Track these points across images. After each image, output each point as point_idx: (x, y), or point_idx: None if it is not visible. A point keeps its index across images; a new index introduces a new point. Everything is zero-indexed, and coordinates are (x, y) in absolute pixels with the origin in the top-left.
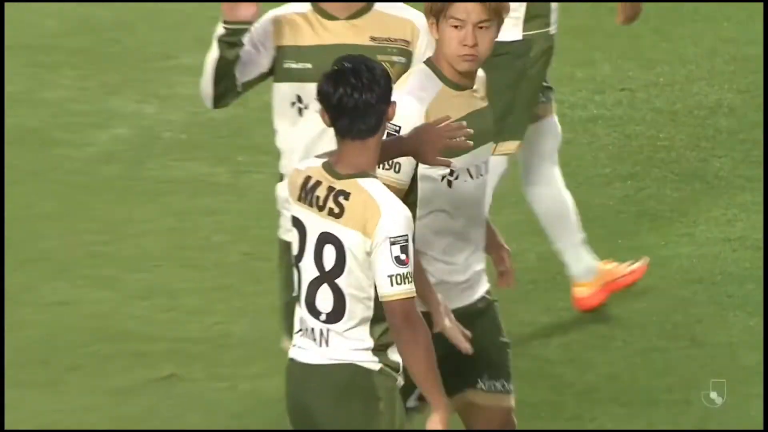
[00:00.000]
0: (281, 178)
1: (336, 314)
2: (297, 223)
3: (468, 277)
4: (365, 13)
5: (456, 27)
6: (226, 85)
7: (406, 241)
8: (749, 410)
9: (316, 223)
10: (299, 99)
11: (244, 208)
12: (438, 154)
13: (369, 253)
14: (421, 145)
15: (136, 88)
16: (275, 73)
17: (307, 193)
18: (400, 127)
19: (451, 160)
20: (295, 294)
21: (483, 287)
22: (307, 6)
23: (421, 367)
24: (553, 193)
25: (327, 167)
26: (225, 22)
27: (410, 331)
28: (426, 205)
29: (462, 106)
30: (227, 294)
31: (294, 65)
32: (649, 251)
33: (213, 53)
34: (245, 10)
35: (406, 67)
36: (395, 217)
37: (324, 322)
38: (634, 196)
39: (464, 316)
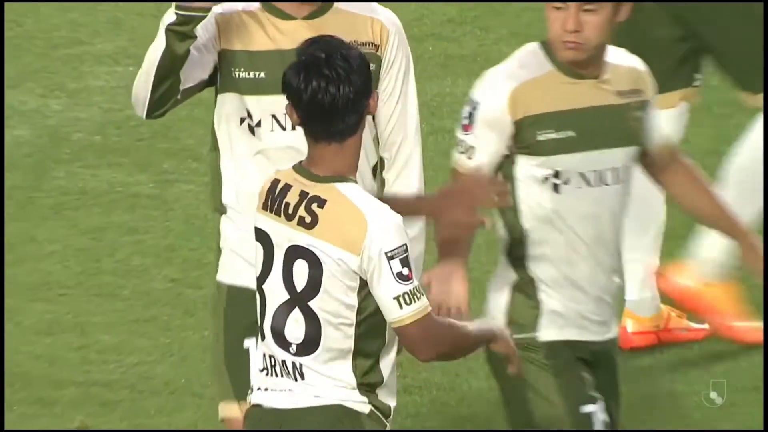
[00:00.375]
0: (223, 210)
1: (309, 344)
2: (261, 236)
3: (599, 309)
4: (326, 12)
5: (558, 8)
6: (167, 89)
7: (405, 251)
8: None
9: (285, 235)
10: (249, 115)
11: (171, 225)
12: (468, 213)
13: (356, 272)
14: (445, 209)
15: (40, 80)
16: (220, 81)
17: (274, 199)
18: (478, 103)
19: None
20: (259, 325)
21: (614, 327)
22: (257, 3)
23: (470, 352)
24: (639, 192)
25: (299, 169)
26: (178, 7)
27: (438, 349)
28: (530, 212)
29: (576, 97)
30: (150, 328)
31: (245, 74)
32: (665, 302)
33: (158, 46)
34: None
35: (375, 75)
36: (385, 227)
37: (295, 354)
38: None
39: (595, 354)
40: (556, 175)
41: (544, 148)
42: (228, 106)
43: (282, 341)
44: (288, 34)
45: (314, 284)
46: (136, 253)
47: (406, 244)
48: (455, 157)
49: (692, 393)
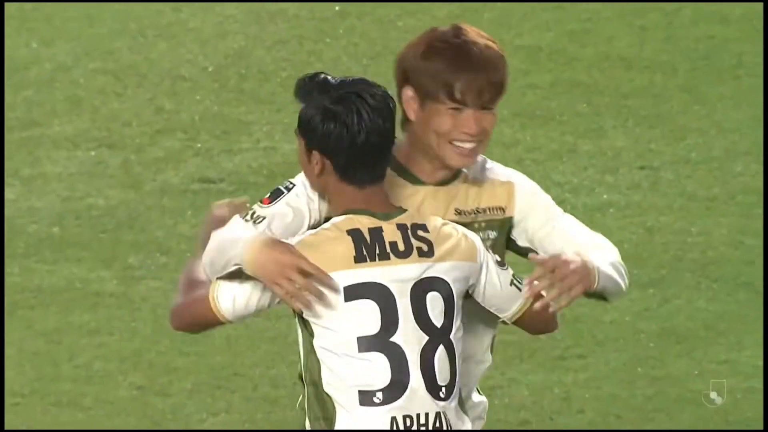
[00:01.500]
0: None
1: (452, 383)
2: (368, 290)
3: None
4: (457, 179)
5: None
6: None
7: None
8: None
9: (406, 275)
10: None
11: (137, 327)
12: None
13: (471, 281)
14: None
15: None
16: None
17: (370, 246)
18: None
19: None
20: (382, 387)
21: None
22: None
23: None
24: None
25: (363, 212)
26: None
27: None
28: None
29: None
30: None
31: None
32: (678, 383)
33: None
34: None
35: (498, 242)
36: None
37: (443, 398)
38: (658, 309)
39: None
40: None
41: None
42: None
43: (434, 388)
44: (410, 200)
45: (450, 314)
46: (99, 357)
47: None
48: None
49: (692, 392)
